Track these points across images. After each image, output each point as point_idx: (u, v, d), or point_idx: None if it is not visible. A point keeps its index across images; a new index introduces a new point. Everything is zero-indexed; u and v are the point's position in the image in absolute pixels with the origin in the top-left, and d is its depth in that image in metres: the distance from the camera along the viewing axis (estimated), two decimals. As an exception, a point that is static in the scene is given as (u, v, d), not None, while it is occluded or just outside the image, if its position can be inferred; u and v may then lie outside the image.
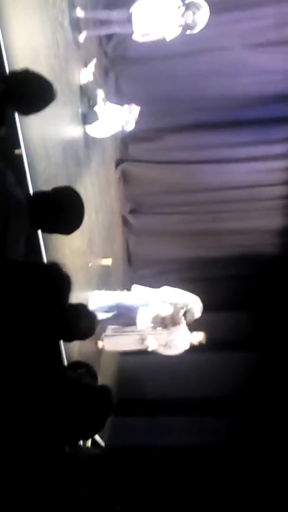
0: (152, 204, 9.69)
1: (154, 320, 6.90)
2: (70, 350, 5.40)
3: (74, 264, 6.14)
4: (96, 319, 2.82)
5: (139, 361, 8.33)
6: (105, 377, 7.08)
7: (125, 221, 9.77)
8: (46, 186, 5.21)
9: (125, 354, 8.05)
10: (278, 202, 9.39)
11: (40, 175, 5.01)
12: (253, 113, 8.73)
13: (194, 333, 6.88)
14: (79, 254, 6.43)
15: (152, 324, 6.91)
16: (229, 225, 9.58)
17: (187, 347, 6.86)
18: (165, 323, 6.95)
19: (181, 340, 6.84)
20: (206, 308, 7.03)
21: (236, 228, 9.55)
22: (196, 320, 6.98)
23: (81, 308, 2.54)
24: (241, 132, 8.85)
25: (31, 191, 3.98)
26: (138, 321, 6.78)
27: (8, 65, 4.32)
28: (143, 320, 6.81)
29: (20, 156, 4.48)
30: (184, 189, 9.37)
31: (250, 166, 8.94)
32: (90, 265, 6.87)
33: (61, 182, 5.80)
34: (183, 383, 8.39)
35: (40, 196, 2.50)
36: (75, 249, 6.20)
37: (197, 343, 6.86)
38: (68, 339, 2.92)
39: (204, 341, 6.89)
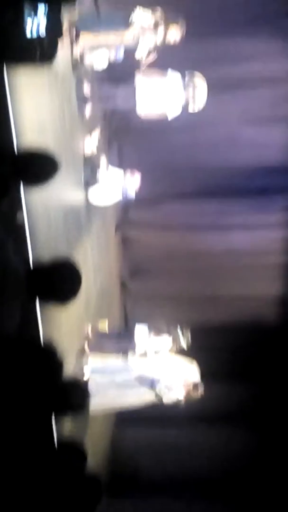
0: (151, 269, 9.83)
1: None
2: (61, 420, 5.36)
3: (69, 329, 6.21)
4: (88, 396, 2.85)
5: (135, 435, 8.20)
6: (95, 455, 6.86)
7: (123, 285, 9.88)
8: (46, 249, 5.38)
9: (120, 425, 7.88)
10: (277, 270, 9.55)
11: (40, 238, 5.16)
12: (252, 183, 9.04)
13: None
14: (75, 318, 6.50)
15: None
16: (228, 292, 9.67)
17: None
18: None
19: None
20: (203, 378, 6.96)
21: (235, 295, 9.63)
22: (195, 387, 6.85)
23: (73, 384, 2.58)
24: (240, 201, 9.13)
25: (30, 258, 4.12)
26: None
27: (16, 137, 4.57)
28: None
29: (22, 219, 4.65)
30: (183, 254, 9.53)
31: (249, 233, 9.17)
32: (86, 329, 6.93)
33: (61, 246, 5.95)
34: (183, 461, 8.22)
35: (38, 266, 2.62)
36: (71, 313, 6.27)
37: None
38: (59, 415, 2.93)
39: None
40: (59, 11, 1.71)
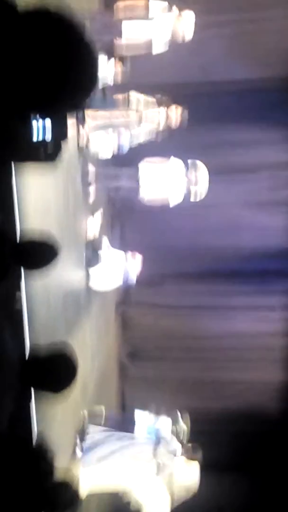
0: (150, 350, 9.68)
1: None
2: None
3: (64, 415, 6.00)
4: (78, 497, 2.71)
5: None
6: None
7: (122, 367, 9.69)
8: (44, 331, 5.29)
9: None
10: (279, 353, 9.39)
11: (38, 319, 5.08)
12: (253, 265, 9.07)
13: None
14: (71, 403, 6.29)
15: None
16: (229, 375, 9.47)
17: None
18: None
19: None
20: (201, 467, 6.67)
21: (236, 379, 9.43)
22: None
23: (63, 486, 2.46)
24: (241, 282, 9.12)
25: (27, 343, 4.03)
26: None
27: (20, 220, 4.60)
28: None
29: (20, 302, 4.59)
30: (183, 335, 9.41)
31: (250, 315, 9.10)
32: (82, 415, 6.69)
33: (59, 327, 5.86)
34: None
35: (34, 355, 2.54)
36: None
37: None
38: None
39: None
40: (65, 116, 1.74)
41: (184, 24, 6.40)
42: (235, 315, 9.17)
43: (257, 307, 9.13)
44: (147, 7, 6.17)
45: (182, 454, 6.41)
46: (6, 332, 2.52)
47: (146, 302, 9.48)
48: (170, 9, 6.26)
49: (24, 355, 2.49)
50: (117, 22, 6.21)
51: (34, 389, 2.54)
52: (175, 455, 6.39)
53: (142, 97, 6.72)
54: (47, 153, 1.80)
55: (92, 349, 7.51)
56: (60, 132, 1.79)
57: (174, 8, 6.27)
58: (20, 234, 2.84)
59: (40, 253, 2.75)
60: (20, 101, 1.31)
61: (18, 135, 1.66)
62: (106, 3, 8.01)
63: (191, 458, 6.43)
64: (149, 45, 6.56)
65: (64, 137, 1.82)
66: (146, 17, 6.20)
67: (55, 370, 2.47)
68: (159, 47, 6.76)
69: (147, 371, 9.63)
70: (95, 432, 6.48)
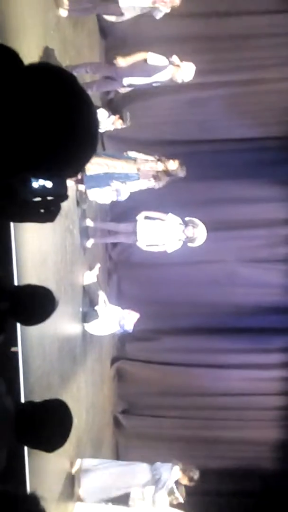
0: (145, 406, 9.51)
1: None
2: None
3: (57, 467, 5.86)
4: None
5: None
6: None
7: (116, 422, 9.50)
8: (39, 384, 5.22)
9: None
10: (275, 412, 9.22)
11: (33, 372, 5.02)
12: (250, 322, 9.00)
13: None
14: (64, 456, 6.16)
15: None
16: (225, 434, 9.26)
17: None
18: None
19: None
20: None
21: (232, 438, 9.22)
22: None
23: None
24: (237, 339, 9.03)
25: (22, 396, 3.97)
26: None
27: (17, 269, 4.61)
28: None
29: (16, 353, 4.54)
30: (178, 392, 9.27)
31: (246, 373, 8.97)
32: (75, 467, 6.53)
33: (54, 381, 5.78)
34: None
35: (29, 409, 2.50)
36: (59, 451, 5.95)
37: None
38: None
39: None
40: (64, 178, 1.77)
41: (184, 73, 6.56)
42: (230, 373, 9.06)
43: (253, 365, 9.03)
44: (146, 60, 6.36)
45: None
46: (1, 388, 2.49)
47: (141, 357, 9.38)
48: (170, 58, 6.48)
49: (19, 410, 2.44)
50: (118, 74, 6.42)
51: (28, 447, 2.49)
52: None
53: (141, 155, 6.86)
54: (46, 211, 1.82)
55: (87, 403, 7.39)
56: (60, 193, 1.81)
57: (175, 57, 6.49)
58: (18, 287, 2.84)
59: (38, 308, 2.74)
60: (20, 164, 1.33)
61: (16, 195, 1.68)
62: (107, 56, 8.30)
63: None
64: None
65: (64, 198, 1.84)
66: (146, 69, 6.38)
67: (49, 429, 2.42)
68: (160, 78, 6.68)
69: (142, 427, 9.44)
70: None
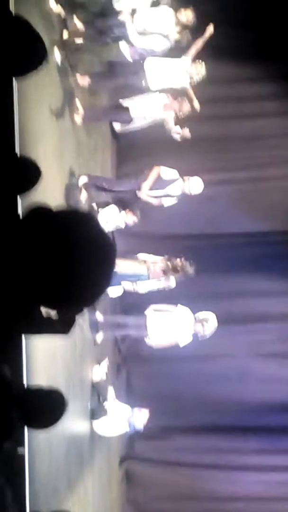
0: (154, 510, 9.02)
1: None
2: None
3: None
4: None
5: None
6: None
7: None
8: (45, 487, 4.99)
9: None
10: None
11: (39, 475, 4.81)
12: (263, 420, 8.69)
13: None
14: None
15: None
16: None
17: None
18: None
19: None
20: None
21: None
22: None
23: None
24: (251, 439, 8.70)
25: (27, 505, 3.78)
26: None
27: (27, 366, 4.54)
28: None
29: (22, 456, 4.38)
30: (190, 496, 8.81)
31: (260, 476, 8.54)
32: None
33: (61, 484, 5.54)
34: None
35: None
36: None
37: None
38: None
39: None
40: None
41: (192, 186, 7.07)
42: (241, 476, 8.63)
43: (265, 467, 8.62)
44: (159, 175, 6.89)
45: None
46: (7, 496, 2.38)
47: (151, 457, 9.02)
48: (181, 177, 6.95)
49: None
50: (132, 181, 6.78)
51: None
52: None
53: (150, 256, 7.06)
54: (61, 326, 1.83)
55: (94, 506, 7.03)
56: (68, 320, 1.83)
57: (178, 128, 6.96)
58: (28, 391, 2.78)
59: (48, 415, 2.66)
60: (34, 299, 1.35)
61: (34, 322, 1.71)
62: (119, 158, 8.61)
63: None
64: (161, 201, 7.07)
65: (73, 321, 1.87)
66: (159, 182, 6.86)
67: None
68: (170, 202, 7.16)
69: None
70: None
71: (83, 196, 6.69)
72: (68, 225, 1.31)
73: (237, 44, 8.34)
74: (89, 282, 1.30)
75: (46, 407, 2.65)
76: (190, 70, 6.68)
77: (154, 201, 7.06)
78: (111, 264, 1.35)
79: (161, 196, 7.00)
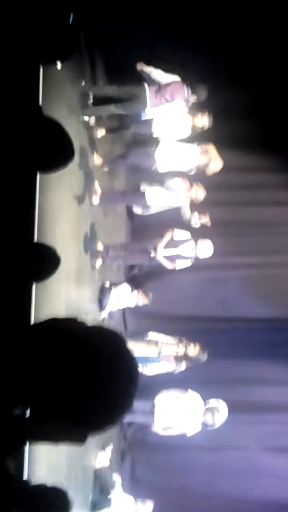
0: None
1: None
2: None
3: None
4: None
5: None
6: None
7: None
8: None
9: None
10: None
11: None
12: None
13: None
14: None
15: None
16: None
17: None
18: None
19: None
20: None
21: None
22: None
23: None
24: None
25: None
26: None
27: (29, 452, 4.35)
28: None
29: None
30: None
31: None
32: None
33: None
34: None
35: None
36: None
37: None
38: None
39: None
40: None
41: (202, 250, 7.27)
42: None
43: None
44: (173, 236, 7.12)
45: None
46: None
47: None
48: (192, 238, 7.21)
49: None
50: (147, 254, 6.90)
51: None
52: None
53: (161, 336, 6.96)
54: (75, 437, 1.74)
55: None
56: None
57: (196, 215, 7.18)
58: (32, 489, 2.61)
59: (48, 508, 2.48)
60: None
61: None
62: (133, 238, 8.71)
63: None
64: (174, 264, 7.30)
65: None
66: (172, 243, 7.11)
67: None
68: (183, 264, 7.38)
69: None
70: None
71: (98, 264, 6.86)
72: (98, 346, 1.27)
73: (251, 136, 8.60)
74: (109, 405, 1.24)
75: (49, 508, 2.47)
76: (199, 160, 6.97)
77: (169, 265, 7.01)
78: (135, 388, 1.31)
79: (174, 257, 7.03)
